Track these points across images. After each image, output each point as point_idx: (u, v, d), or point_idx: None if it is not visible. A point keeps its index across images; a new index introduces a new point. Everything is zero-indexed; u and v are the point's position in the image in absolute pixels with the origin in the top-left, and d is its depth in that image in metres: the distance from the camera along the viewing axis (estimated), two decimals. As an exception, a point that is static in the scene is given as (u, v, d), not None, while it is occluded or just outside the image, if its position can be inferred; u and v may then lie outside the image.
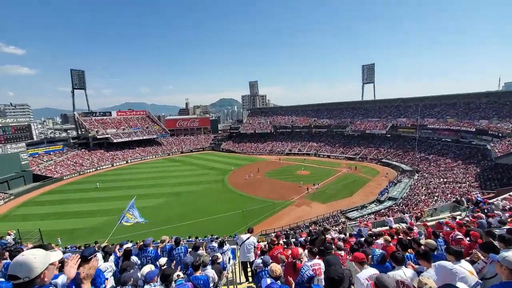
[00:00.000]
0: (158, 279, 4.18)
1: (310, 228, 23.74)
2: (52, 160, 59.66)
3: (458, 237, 5.72)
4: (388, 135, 62.56)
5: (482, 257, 3.87)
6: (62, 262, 3.77)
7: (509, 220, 7.28)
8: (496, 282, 3.03)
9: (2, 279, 1.96)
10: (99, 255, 4.94)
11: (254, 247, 8.05)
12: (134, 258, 6.06)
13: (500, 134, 38.51)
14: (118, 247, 7.43)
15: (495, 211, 10.13)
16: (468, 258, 4.17)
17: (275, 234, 10.46)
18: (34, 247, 2.21)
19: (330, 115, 79.88)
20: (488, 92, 54.05)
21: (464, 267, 3.29)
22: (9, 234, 13.96)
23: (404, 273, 3.41)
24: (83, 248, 17.38)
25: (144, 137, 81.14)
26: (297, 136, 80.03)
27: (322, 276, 4.14)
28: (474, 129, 45.26)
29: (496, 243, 3.98)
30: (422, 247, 4.73)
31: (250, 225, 24.42)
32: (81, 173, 57.37)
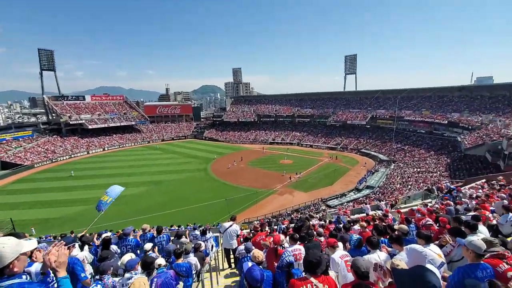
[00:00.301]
0: (139, 267, 4.12)
1: (292, 216, 24.43)
2: (21, 146, 55.91)
3: (428, 223, 6.12)
4: (368, 126, 64.69)
5: (450, 241, 4.18)
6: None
7: (475, 206, 7.87)
8: (462, 264, 3.29)
9: None
10: (76, 245, 4.76)
11: (237, 234, 8.16)
12: (113, 247, 5.92)
13: (470, 127, 41.01)
14: (96, 236, 7.22)
15: (462, 199, 10.92)
16: (437, 242, 4.48)
17: (258, 222, 10.67)
18: (6, 235, 2.06)
19: (313, 105, 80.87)
20: (461, 86, 56.90)
21: (433, 250, 3.54)
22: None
23: (379, 256, 3.61)
24: (59, 237, 16.73)
25: (122, 124, 77.91)
26: (281, 125, 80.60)
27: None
28: (446, 122, 47.88)
29: (462, 228, 4.29)
30: (396, 232, 5.00)
31: (233, 213, 24.67)
32: (53, 160, 54.40)
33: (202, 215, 26.64)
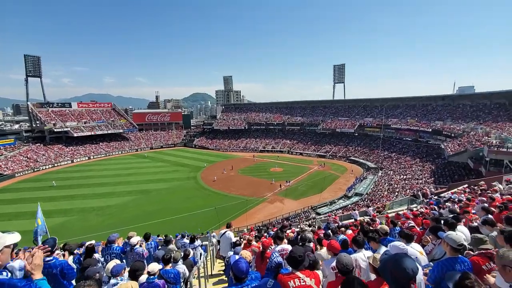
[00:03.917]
0: (126, 273, 4.04)
1: (283, 223, 24.34)
2: (2, 155, 53.59)
3: (411, 225, 6.34)
4: (356, 134, 66.07)
5: (431, 241, 4.33)
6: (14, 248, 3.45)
7: (464, 210, 8.14)
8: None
9: None
10: (59, 252, 4.61)
11: (232, 242, 8.10)
12: (96, 256, 5.75)
13: (452, 135, 42.60)
14: (79, 245, 7.00)
15: (446, 203, 11.28)
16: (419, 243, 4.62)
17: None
18: None
19: (303, 113, 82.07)
20: (444, 95, 59.44)
21: (414, 248, 3.67)
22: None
23: (364, 254, 3.70)
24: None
25: (109, 132, 76.33)
26: (271, 133, 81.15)
27: None
28: (430, 130, 49.58)
29: (442, 227, 4.47)
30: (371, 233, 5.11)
31: (222, 222, 24.39)
32: (35, 169, 52.37)
33: (191, 224, 26.19)
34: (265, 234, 11.05)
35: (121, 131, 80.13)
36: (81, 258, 5.52)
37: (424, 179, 34.73)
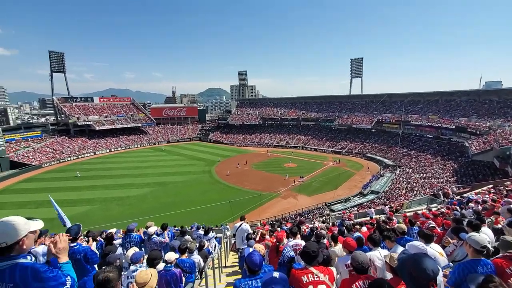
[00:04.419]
0: (144, 261, 4.22)
1: (297, 219, 24.29)
2: (30, 146, 57.10)
3: (431, 225, 6.11)
4: (374, 130, 64.04)
5: (452, 241, 4.17)
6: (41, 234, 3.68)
7: (494, 211, 7.75)
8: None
9: None
10: (83, 238, 4.89)
11: (248, 234, 8.19)
12: (116, 242, 6.04)
13: (477, 132, 40.27)
14: (102, 233, 7.37)
15: (469, 204, 10.78)
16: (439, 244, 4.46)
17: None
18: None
19: (319, 109, 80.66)
20: (468, 90, 56.02)
21: (434, 249, 3.54)
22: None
23: (380, 253, 3.62)
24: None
25: (129, 125, 79.06)
26: (285, 129, 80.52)
27: None
28: (453, 126, 47.14)
29: (465, 228, 4.28)
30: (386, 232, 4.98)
31: (236, 216, 24.73)
32: (61, 161, 55.38)
33: (206, 217, 26.74)
34: (278, 228, 11.09)
35: (139, 125, 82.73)
36: (103, 245, 5.81)
37: (445, 178, 33.21)
